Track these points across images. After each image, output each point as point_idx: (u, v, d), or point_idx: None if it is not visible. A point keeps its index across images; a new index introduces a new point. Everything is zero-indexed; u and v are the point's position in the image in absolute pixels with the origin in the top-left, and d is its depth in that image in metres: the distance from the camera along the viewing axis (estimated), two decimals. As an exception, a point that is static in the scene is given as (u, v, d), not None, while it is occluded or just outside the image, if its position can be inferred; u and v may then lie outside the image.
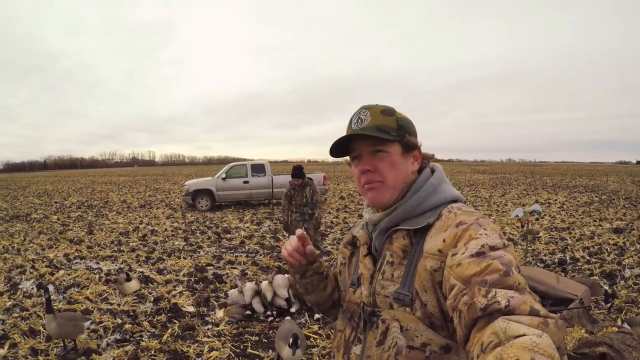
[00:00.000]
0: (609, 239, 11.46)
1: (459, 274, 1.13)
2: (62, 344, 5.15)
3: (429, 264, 1.25)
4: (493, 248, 1.14)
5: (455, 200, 1.44)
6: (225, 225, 14.48)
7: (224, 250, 10.63)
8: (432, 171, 1.51)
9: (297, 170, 8.47)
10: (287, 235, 10.69)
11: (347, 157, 1.53)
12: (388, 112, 1.43)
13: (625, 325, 5.13)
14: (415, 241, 1.34)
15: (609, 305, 6.26)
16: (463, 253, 1.16)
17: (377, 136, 1.38)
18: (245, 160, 21.34)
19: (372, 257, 1.48)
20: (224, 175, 19.12)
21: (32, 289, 7.33)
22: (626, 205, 19.17)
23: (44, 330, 5.49)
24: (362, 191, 1.49)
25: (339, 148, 1.48)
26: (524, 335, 0.87)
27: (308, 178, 8.77)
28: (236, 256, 9.85)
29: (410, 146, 1.44)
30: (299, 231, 1.60)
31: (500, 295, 1.00)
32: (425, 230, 1.34)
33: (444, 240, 1.25)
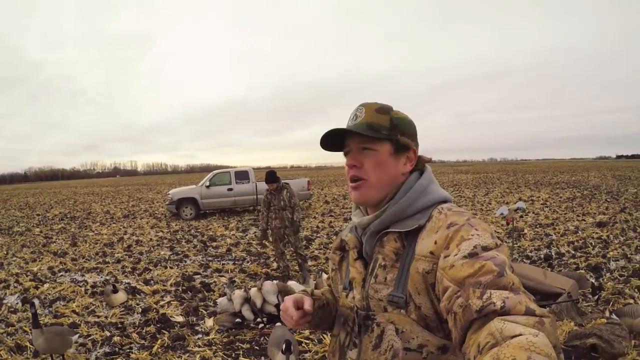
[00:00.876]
0: (593, 232, 11.64)
1: (452, 276, 1.12)
2: (50, 359, 5.07)
3: (421, 266, 1.24)
4: (485, 248, 1.14)
5: (444, 201, 1.43)
6: (211, 233, 14.41)
7: (210, 258, 10.57)
8: (421, 172, 1.50)
9: (270, 175, 8.40)
10: (263, 242, 10.70)
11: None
12: (383, 110, 1.43)
13: (614, 316, 5.21)
14: (406, 244, 1.33)
15: (596, 297, 6.36)
16: (455, 254, 1.15)
17: (364, 134, 1.38)
18: (228, 167, 21.29)
19: (363, 260, 1.47)
20: (207, 183, 19.04)
21: (17, 303, 7.21)
22: (608, 200, 19.47)
23: (31, 346, 5.40)
24: (349, 187, 1.49)
25: (335, 143, 1.48)
26: (520, 335, 0.87)
27: (284, 182, 8.69)
28: (223, 264, 9.80)
29: (402, 146, 1.43)
30: (288, 299, 1.50)
31: (495, 297, 1.00)
32: (416, 232, 1.33)
33: (435, 242, 1.24)
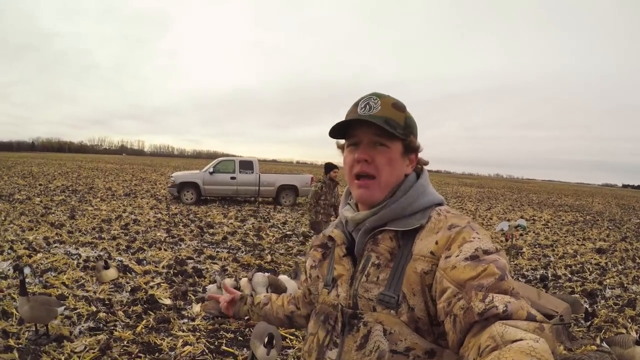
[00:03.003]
0: (592, 258, 11.63)
1: (453, 277, 1.12)
2: (34, 328, 5.07)
3: (420, 267, 1.22)
4: (487, 252, 1.14)
5: (440, 203, 1.42)
6: (209, 219, 14.42)
7: (205, 244, 10.57)
8: (418, 174, 1.48)
9: (331, 165, 8.18)
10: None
11: (341, 141, 1.49)
12: (399, 107, 1.39)
13: (604, 344, 5.21)
14: (402, 243, 1.31)
15: (588, 323, 6.32)
16: (457, 256, 1.15)
17: (385, 128, 1.32)
18: (234, 156, 21.31)
19: (352, 257, 1.43)
20: (211, 170, 19.06)
21: (8, 270, 7.22)
22: (610, 227, 19.42)
23: (16, 313, 5.40)
24: (351, 182, 1.45)
25: (343, 130, 1.43)
26: (521, 340, 0.87)
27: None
28: (217, 251, 9.80)
29: (411, 148, 1.41)
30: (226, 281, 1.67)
31: (498, 300, 1.00)
32: (414, 232, 1.31)
33: (436, 243, 1.23)
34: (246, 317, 1.92)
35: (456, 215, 1.31)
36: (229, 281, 6.31)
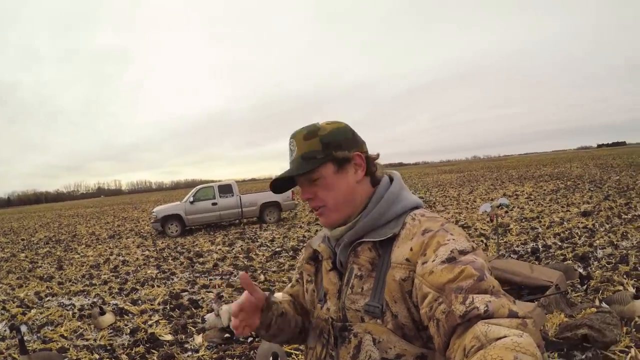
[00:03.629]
0: (578, 222, 11.83)
1: (432, 282, 1.13)
2: (39, 385, 5.06)
3: (398, 274, 1.24)
4: (463, 252, 1.15)
5: (416, 207, 1.42)
6: (197, 249, 14.39)
7: (197, 274, 10.55)
8: (391, 179, 1.49)
9: None
10: (250, 255, 10.54)
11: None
12: (310, 134, 1.40)
13: (604, 304, 5.27)
14: (382, 252, 1.32)
15: (585, 287, 6.40)
16: (434, 260, 1.16)
17: (300, 173, 1.38)
18: (213, 181, 21.28)
19: (337, 271, 1.45)
20: (191, 199, 19.00)
21: (5, 330, 7.15)
22: (591, 189, 19.77)
23: (19, 373, 5.38)
24: (315, 214, 1.51)
25: (284, 183, 1.49)
26: (505, 336, 0.89)
27: None
28: (210, 279, 9.79)
29: (342, 160, 1.39)
30: (242, 275, 1.38)
31: (478, 301, 1.02)
32: (391, 240, 1.32)
33: (411, 249, 1.25)
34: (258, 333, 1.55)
35: (430, 219, 1.33)
36: (226, 307, 6.32)
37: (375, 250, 1.34)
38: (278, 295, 1.67)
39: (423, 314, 1.16)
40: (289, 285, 1.78)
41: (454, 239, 1.20)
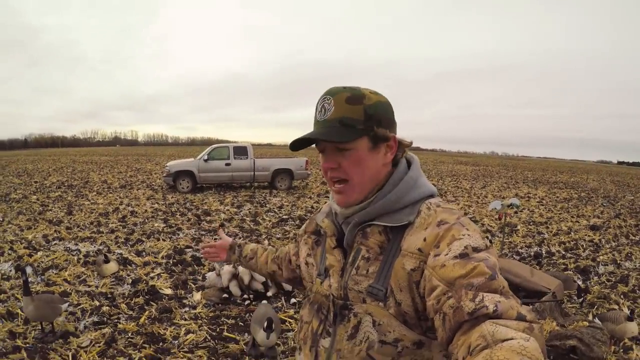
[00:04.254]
0: (585, 235, 11.73)
1: (442, 276, 1.12)
2: (40, 327, 5.18)
3: (408, 263, 1.23)
4: (476, 249, 1.15)
5: (431, 195, 1.40)
6: (206, 207, 14.50)
7: (203, 232, 10.68)
8: (409, 163, 1.45)
9: None
10: (257, 219, 10.56)
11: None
12: (355, 99, 1.30)
13: (597, 320, 5.26)
14: (392, 237, 1.31)
15: (581, 300, 6.40)
16: (446, 254, 1.15)
17: (337, 141, 1.29)
18: (228, 142, 21.27)
19: (342, 249, 1.44)
20: (205, 157, 19.01)
21: (10, 270, 7.30)
22: (604, 204, 19.48)
23: (21, 313, 5.51)
24: (330, 187, 1.43)
25: (305, 140, 1.37)
26: (512, 339, 0.89)
27: None
28: (215, 239, 9.81)
29: (380, 138, 1.33)
30: (219, 230, 2.05)
31: (488, 300, 1.02)
32: (403, 227, 1.31)
33: (424, 239, 1.23)
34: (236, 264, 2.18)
35: (446, 210, 1.30)
36: (227, 268, 6.42)
37: (386, 234, 1.33)
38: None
39: (429, 306, 1.16)
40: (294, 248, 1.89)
41: (469, 235, 1.19)
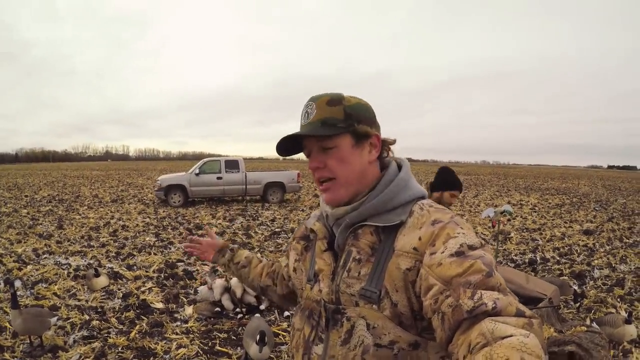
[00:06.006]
0: (579, 240, 11.78)
1: (439, 274, 1.12)
2: (28, 341, 5.11)
3: (403, 263, 1.23)
4: (472, 247, 1.15)
5: (422, 197, 1.40)
6: (198, 221, 14.43)
7: (195, 246, 10.53)
8: (399, 166, 1.46)
9: (450, 175, 4.73)
10: (249, 232, 10.51)
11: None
12: (334, 101, 1.36)
13: (594, 324, 5.22)
14: (383, 238, 1.31)
15: (578, 304, 6.39)
16: (442, 252, 1.15)
17: (318, 135, 1.34)
18: (220, 156, 21.30)
19: (333, 252, 1.43)
20: (197, 171, 19.00)
21: (-1, 284, 7.23)
22: (596, 208, 19.69)
23: (9, 327, 5.42)
24: (318, 188, 1.45)
25: (291, 146, 1.44)
26: (511, 336, 0.88)
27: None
28: (203, 236, 9.77)
29: (362, 135, 1.37)
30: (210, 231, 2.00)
31: (486, 297, 1.01)
32: (395, 227, 1.30)
33: (419, 238, 1.23)
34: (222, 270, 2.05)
35: (439, 210, 1.31)
36: (219, 281, 6.36)
37: (377, 235, 1.32)
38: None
39: (427, 306, 1.15)
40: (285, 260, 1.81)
41: (464, 233, 1.20)
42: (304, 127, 1.38)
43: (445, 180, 4.60)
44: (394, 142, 1.48)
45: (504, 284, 1.07)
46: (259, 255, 8.93)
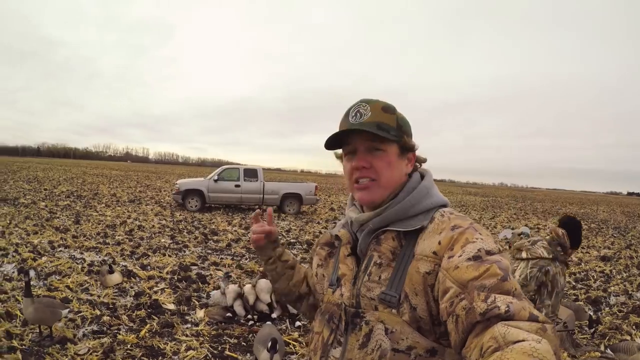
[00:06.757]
0: (596, 266, 11.65)
1: (456, 277, 1.12)
2: (37, 330, 5.08)
3: (422, 267, 1.23)
4: (489, 253, 1.14)
5: (444, 205, 1.43)
6: (214, 226, 14.42)
7: (209, 251, 10.56)
8: (422, 175, 1.49)
9: (579, 231, 4.27)
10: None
11: (339, 150, 1.50)
12: (389, 109, 1.40)
13: (608, 351, 5.24)
14: (405, 243, 1.32)
15: (592, 330, 6.31)
16: (460, 256, 1.15)
17: (378, 134, 1.34)
18: (239, 164, 21.38)
19: (355, 257, 1.45)
20: (216, 177, 19.11)
21: (13, 272, 7.25)
22: (615, 235, 19.51)
23: (20, 315, 5.42)
24: (352, 188, 1.46)
25: (333, 140, 1.44)
26: (523, 340, 0.88)
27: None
28: (221, 258, 9.79)
29: (407, 148, 1.42)
30: (269, 209, 1.78)
31: (500, 301, 1.01)
32: (417, 232, 1.32)
33: (439, 243, 1.24)
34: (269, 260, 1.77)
35: (459, 217, 1.32)
36: (232, 287, 6.30)
37: (399, 240, 1.34)
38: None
39: (442, 309, 1.15)
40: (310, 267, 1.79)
41: (482, 239, 1.20)
42: (355, 126, 1.38)
43: (576, 238, 4.22)
44: (425, 160, 1.54)
45: (519, 290, 1.07)
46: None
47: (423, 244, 1.28)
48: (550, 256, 4.02)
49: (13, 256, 8.33)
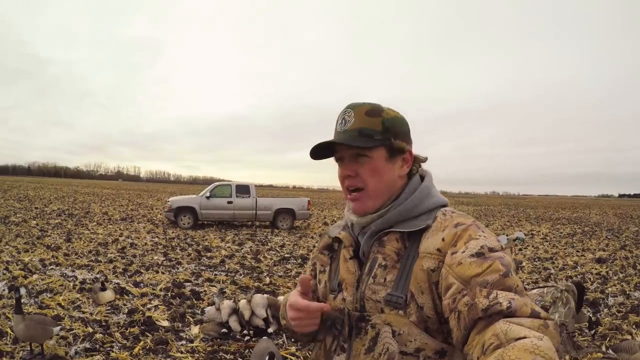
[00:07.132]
0: (592, 268, 11.71)
1: (458, 273, 1.12)
2: (28, 347, 4.98)
3: (426, 264, 1.22)
4: (492, 250, 1.15)
5: (445, 205, 1.42)
6: (207, 243, 14.32)
7: (203, 267, 10.46)
8: (422, 177, 1.47)
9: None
10: (258, 257, 10.36)
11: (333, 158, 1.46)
12: (374, 112, 1.36)
13: (610, 351, 5.27)
14: (408, 244, 1.30)
15: (593, 332, 6.32)
16: (463, 252, 1.15)
17: (355, 145, 1.32)
18: (231, 181, 21.37)
19: (358, 260, 1.41)
20: (208, 194, 19.07)
21: (3, 290, 7.14)
22: (609, 237, 19.67)
23: (11, 333, 5.31)
24: (345, 196, 1.44)
25: (324, 149, 1.41)
26: (525, 337, 0.88)
27: None
28: (215, 274, 9.70)
29: (397, 150, 1.38)
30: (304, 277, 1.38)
31: (502, 297, 1.01)
32: (420, 232, 1.31)
33: (443, 239, 1.23)
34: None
35: (461, 215, 1.33)
36: (227, 302, 6.22)
37: (402, 241, 1.32)
38: (280, 299, 1.67)
39: (445, 305, 1.15)
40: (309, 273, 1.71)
41: (485, 236, 1.20)
42: (340, 134, 1.37)
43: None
44: (425, 159, 1.51)
45: (522, 286, 1.07)
46: (266, 281, 8.78)
47: (427, 242, 1.27)
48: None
49: (3, 274, 8.22)
